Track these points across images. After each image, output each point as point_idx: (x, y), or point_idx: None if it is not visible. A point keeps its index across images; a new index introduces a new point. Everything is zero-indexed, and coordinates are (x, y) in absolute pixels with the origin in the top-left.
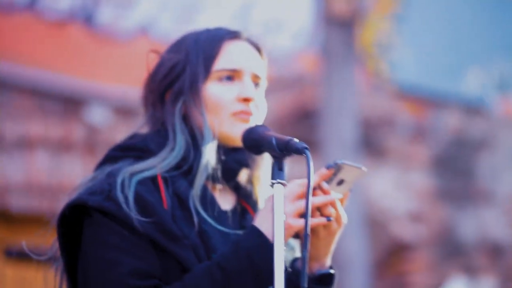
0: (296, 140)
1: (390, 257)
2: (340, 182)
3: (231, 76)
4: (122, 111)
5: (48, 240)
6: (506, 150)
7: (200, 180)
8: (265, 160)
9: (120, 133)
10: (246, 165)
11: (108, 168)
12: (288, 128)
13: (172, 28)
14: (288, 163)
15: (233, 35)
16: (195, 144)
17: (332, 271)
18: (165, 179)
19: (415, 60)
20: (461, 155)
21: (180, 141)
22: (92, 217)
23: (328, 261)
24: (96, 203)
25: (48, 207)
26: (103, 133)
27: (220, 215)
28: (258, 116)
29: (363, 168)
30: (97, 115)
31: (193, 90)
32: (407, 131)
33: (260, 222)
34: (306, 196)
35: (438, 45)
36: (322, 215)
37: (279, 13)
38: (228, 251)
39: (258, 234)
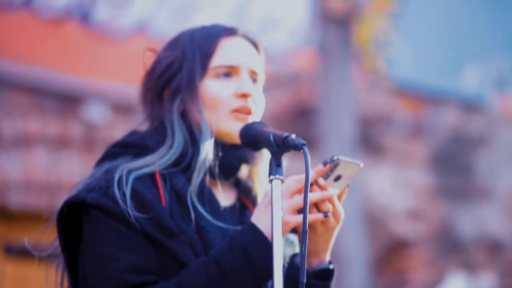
0: (293, 136)
1: (389, 254)
2: (338, 178)
3: (229, 72)
4: (120, 108)
5: (47, 237)
6: (504, 147)
7: (197, 176)
8: (264, 156)
9: (118, 131)
10: (246, 161)
11: (107, 165)
12: (285, 126)
13: (169, 26)
14: (287, 159)
15: (230, 31)
16: (193, 141)
17: (331, 266)
18: (163, 176)
19: (412, 57)
20: (459, 152)
21: (178, 138)
22: (90, 214)
23: (327, 257)
24: (94, 200)
25: (46, 204)
26: (101, 131)
27: (218, 211)
28: (257, 112)
29: (360, 163)
30: (95, 112)
31: (191, 87)
32: (405, 128)
33: (258, 218)
34: (304, 192)
35: (435, 42)
36: (319, 211)
37: (275, 11)
38: (224, 247)
39: (255, 231)
